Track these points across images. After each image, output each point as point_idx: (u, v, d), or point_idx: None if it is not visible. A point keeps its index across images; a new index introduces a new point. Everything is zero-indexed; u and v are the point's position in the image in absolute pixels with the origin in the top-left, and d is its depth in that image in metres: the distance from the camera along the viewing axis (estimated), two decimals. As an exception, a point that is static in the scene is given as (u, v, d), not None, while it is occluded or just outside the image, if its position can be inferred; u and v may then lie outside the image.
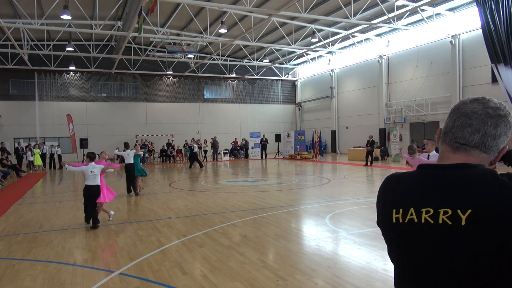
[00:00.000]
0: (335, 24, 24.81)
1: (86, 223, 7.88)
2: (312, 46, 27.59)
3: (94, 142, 26.92)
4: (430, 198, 1.13)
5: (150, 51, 28.94)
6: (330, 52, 30.27)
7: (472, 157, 1.16)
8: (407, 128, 25.07)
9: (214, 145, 27.75)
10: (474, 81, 20.56)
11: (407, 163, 6.87)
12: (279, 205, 9.57)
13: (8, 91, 28.31)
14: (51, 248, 6.24)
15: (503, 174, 1.11)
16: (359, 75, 29.36)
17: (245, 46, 29.57)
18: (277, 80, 36.51)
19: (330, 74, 32.08)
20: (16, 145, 24.43)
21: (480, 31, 16.43)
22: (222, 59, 31.96)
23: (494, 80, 18.24)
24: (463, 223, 1.05)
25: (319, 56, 32.46)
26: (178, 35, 25.73)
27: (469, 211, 1.05)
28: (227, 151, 29.13)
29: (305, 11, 19.37)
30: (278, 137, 29.26)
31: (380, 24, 21.49)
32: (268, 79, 36.06)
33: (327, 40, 26.54)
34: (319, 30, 25.45)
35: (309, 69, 35.34)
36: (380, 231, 1.29)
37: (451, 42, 21.58)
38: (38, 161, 22.44)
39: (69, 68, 28.69)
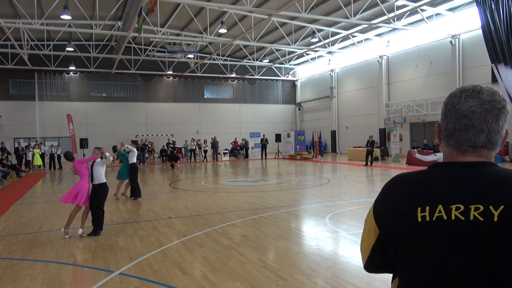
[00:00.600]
0: (335, 24, 24.82)
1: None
2: (312, 46, 27.60)
3: (94, 142, 26.78)
4: (458, 194, 1.11)
5: (150, 51, 28.95)
6: (330, 52, 30.27)
7: (483, 157, 1.18)
8: (407, 128, 25.07)
9: (214, 145, 27.76)
10: (474, 81, 20.40)
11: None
12: (279, 205, 9.56)
13: (8, 91, 28.32)
14: (51, 248, 6.24)
15: None
16: (359, 75, 29.36)
17: (245, 46, 29.57)
18: (277, 80, 36.51)
19: (330, 74, 32.08)
20: (16, 145, 24.43)
21: (480, 31, 16.43)
22: (222, 59, 31.97)
23: (494, 80, 18.23)
24: (495, 219, 1.04)
25: (319, 56, 32.46)
26: (178, 35, 25.73)
27: (502, 207, 1.05)
28: (227, 151, 29.13)
29: (305, 11, 19.38)
30: (278, 137, 29.25)
31: (380, 24, 21.49)
32: (268, 79, 36.07)
33: (327, 40, 26.55)
34: (319, 30, 25.45)
35: (309, 69, 35.34)
36: None
37: (451, 42, 21.59)
38: (38, 161, 22.43)
39: (69, 68, 28.70)
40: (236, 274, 4.83)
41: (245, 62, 32.68)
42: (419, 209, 1.13)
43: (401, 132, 24.51)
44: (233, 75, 33.81)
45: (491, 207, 1.06)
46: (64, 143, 27.36)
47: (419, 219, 1.13)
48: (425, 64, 23.51)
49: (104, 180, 7.24)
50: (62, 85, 29.60)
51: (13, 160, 21.55)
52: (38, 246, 6.40)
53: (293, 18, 23.76)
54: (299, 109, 37.29)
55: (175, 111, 32.85)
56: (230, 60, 32.15)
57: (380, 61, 26.83)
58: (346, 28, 25.34)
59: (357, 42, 27.13)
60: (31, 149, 22.51)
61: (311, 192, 12.15)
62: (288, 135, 28.93)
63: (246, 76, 34.87)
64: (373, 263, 1.31)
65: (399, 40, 25.23)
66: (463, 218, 1.08)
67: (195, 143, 27.85)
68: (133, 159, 10.97)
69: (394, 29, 22.93)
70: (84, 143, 24.12)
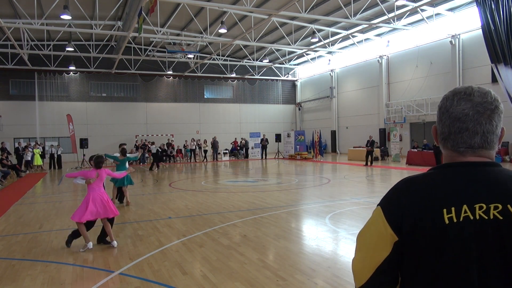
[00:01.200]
0: (335, 24, 24.81)
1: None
2: (312, 46, 27.60)
3: (94, 142, 26.94)
4: (479, 193, 1.12)
5: (150, 51, 28.95)
6: (330, 52, 30.27)
7: (483, 156, 1.19)
8: (407, 128, 25.07)
9: (214, 145, 27.77)
10: (474, 81, 20.53)
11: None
12: (279, 205, 9.56)
13: (8, 91, 28.31)
14: (51, 248, 6.23)
15: None
16: (359, 75, 29.36)
17: (245, 46, 29.57)
18: (277, 80, 36.51)
19: (330, 74, 32.08)
20: (16, 145, 24.44)
21: (480, 31, 16.42)
22: (222, 59, 31.97)
23: (494, 80, 18.23)
24: None
25: (319, 56, 32.46)
26: (178, 35, 25.73)
27: None
28: (227, 151, 29.13)
29: (305, 11, 19.38)
30: (278, 137, 29.25)
31: (380, 24, 21.50)
32: (268, 79, 36.07)
33: (327, 40, 26.55)
34: (319, 30, 25.45)
35: (309, 69, 35.34)
36: None
37: (451, 42, 21.59)
38: (38, 161, 22.44)
39: (69, 68, 28.70)
40: (236, 274, 4.83)
41: (245, 62, 32.68)
42: (444, 210, 1.11)
43: (401, 132, 24.51)
44: (233, 75, 33.81)
45: (509, 206, 1.08)
46: (64, 143, 27.37)
47: (447, 221, 1.10)
48: (425, 64, 23.51)
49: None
50: (62, 85, 29.60)
51: (13, 160, 21.55)
52: (38, 246, 6.40)
53: (293, 18, 23.76)
54: (299, 109, 37.29)
55: (175, 111, 32.85)
56: (230, 60, 32.16)
57: (380, 61, 26.83)
58: (346, 28, 25.34)
59: (357, 42, 27.13)
60: (30, 149, 22.50)
61: (311, 192, 12.15)
62: (288, 135, 28.93)
63: (246, 76, 34.88)
64: (379, 278, 1.20)
65: (399, 40, 25.23)
66: (486, 217, 1.09)
67: (195, 143, 27.85)
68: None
69: (394, 29, 22.93)
70: (84, 143, 24.12)
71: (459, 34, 21.33)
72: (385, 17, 20.93)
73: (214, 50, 28.93)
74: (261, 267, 5.06)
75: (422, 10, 20.54)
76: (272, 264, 5.17)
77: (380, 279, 1.21)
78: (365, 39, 26.88)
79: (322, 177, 15.97)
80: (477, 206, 1.10)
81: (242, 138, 30.68)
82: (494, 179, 1.13)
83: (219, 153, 28.57)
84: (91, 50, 27.22)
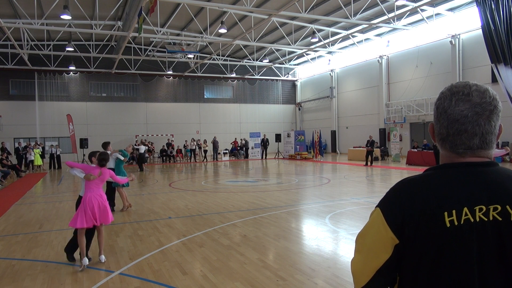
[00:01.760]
0: (335, 24, 24.82)
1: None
2: (312, 46, 27.60)
3: (94, 142, 26.89)
4: (478, 195, 1.11)
5: (150, 51, 28.95)
6: (330, 52, 30.27)
7: (482, 156, 1.18)
8: (407, 128, 25.07)
9: (214, 145, 27.78)
10: (474, 81, 20.46)
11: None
12: (279, 205, 9.56)
13: (8, 91, 28.32)
14: (51, 248, 6.24)
15: None
16: (359, 75, 29.36)
17: (245, 46, 29.58)
18: (277, 80, 36.51)
19: (330, 74, 32.08)
20: (17, 145, 24.44)
21: (480, 31, 16.42)
22: (222, 59, 31.97)
23: (494, 80, 18.23)
24: None
25: (319, 56, 32.46)
26: (178, 35, 25.73)
27: None
28: (227, 151, 29.13)
29: (305, 11, 19.38)
30: (278, 137, 29.26)
31: (380, 24, 21.50)
32: (268, 79, 36.07)
33: (327, 40, 26.55)
34: (319, 30, 25.45)
35: (309, 69, 35.34)
36: None
37: (451, 42, 21.59)
38: (38, 161, 22.44)
39: (69, 68, 28.71)
40: (236, 274, 4.83)
41: (245, 62, 32.68)
42: (445, 213, 1.10)
43: (401, 132, 24.52)
44: (233, 75, 33.81)
45: (507, 206, 1.08)
46: (64, 143, 27.37)
47: (448, 224, 1.09)
48: (425, 64, 23.51)
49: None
50: (62, 85, 29.60)
51: (13, 160, 21.55)
52: (38, 246, 6.40)
53: (293, 18, 23.76)
54: (299, 109, 37.29)
55: (175, 111, 32.85)
56: (230, 60, 32.16)
57: (380, 61, 26.83)
58: (346, 28, 25.35)
59: (357, 42, 27.13)
60: (31, 149, 22.52)
61: (311, 192, 12.15)
62: (288, 135, 28.94)
63: (246, 76, 34.88)
64: (379, 280, 1.19)
65: (399, 40, 25.23)
66: (486, 219, 1.09)
67: (195, 143, 27.87)
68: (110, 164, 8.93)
69: (394, 29, 22.93)
70: (84, 143, 24.13)
71: (459, 34, 21.33)
72: (385, 17, 20.93)
73: (214, 50, 28.93)
74: (261, 267, 5.06)
75: (422, 10, 20.54)
76: (272, 264, 5.17)
77: (380, 280, 1.20)
78: (365, 39, 26.88)
79: (322, 177, 15.97)
80: (477, 208, 1.10)
81: (242, 138, 30.69)
82: (493, 180, 1.13)
83: (219, 153, 28.58)
84: (91, 50, 27.22)
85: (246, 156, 29.64)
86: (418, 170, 17.06)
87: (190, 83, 33.44)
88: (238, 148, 30.30)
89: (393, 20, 21.28)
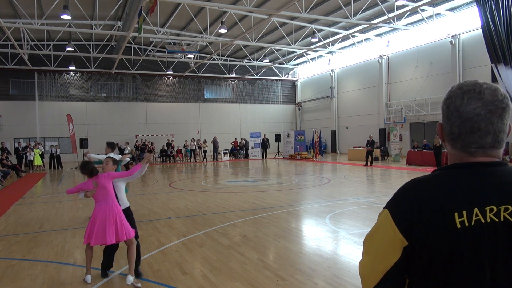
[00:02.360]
0: (335, 24, 24.82)
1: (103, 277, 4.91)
2: (312, 46, 27.60)
3: (94, 142, 26.91)
4: (489, 195, 1.09)
5: (150, 51, 28.95)
6: (330, 52, 30.27)
7: (493, 156, 1.16)
8: (407, 128, 25.07)
9: (214, 145, 27.79)
10: (474, 81, 20.53)
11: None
12: (279, 205, 9.56)
13: (8, 91, 28.32)
14: (51, 248, 6.23)
15: None
16: (359, 75, 29.36)
17: (245, 46, 29.57)
18: (277, 80, 36.51)
19: (330, 74, 32.08)
20: (16, 145, 24.43)
21: (480, 31, 16.43)
22: (222, 59, 31.97)
23: (494, 80, 18.22)
24: None
25: (319, 56, 32.46)
26: (178, 35, 25.73)
27: None
28: (227, 151, 29.14)
29: (305, 11, 19.38)
30: (278, 137, 29.26)
31: (380, 24, 21.49)
32: (268, 79, 36.07)
33: (327, 40, 26.55)
34: (319, 30, 25.45)
35: (309, 69, 35.34)
36: None
37: (451, 42, 21.59)
38: (38, 161, 22.44)
39: (69, 68, 28.71)
40: (236, 274, 4.83)
41: (245, 62, 32.68)
42: (456, 214, 1.08)
43: (401, 132, 24.52)
44: (233, 75, 33.81)
45: None
46: (64, 143, 27.37)
47: (458, 225, 1.07)
48: (425, 64, 23.51)
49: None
50: (62, 85, 29.60)
51: (13, 160, 21.55)
52: (38, 246, 6.40)
53: (293, 18, 23.76)
54: (299, 109, 37.29)
55: (175, 111, 32.85)
56: (230, 60, 32.15)
57: (380, 61, 26.83)
58: (346, 28, 25.35)
59: (357, 42, 27.13)
60: (31, 149, 22.52)
61: (311, 192, 12.15)
62: (288, 135, 28.94)
63: (246, 76, 34.88)
64: (388, 282, 1.17)
65: (399, 40, 25.23)
66: (497, 220, 1.07)
67: (195, 143, 27.88)
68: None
69: (394, 29, 22.93)
70: (84, 143, 24.13)
71: (459, 34, 21.33)
72: (385, 17, 20.92)
73: (214, 50, 28.93)
74: (261, 267, 5.06)
75: (422, 10, 20.54)
76: (272, 264, 5.17)
77: (389, 283, 1.17)
78: (365, 39, 26.88)
79: (322, 177, 15.97)
80: (487, 208, 1.08)
81: (242, 138, 30.69)
82: (503, 180, 1.11)
83: (219, 153, 28.59)
84: (91, 50, 27.22)
85: (246, 156, 29.65)
86: (418, 170, 17.06)
87: (190, 83, 33.44)
88: (238, 148, 30.31)
89: (393, 20, 21.27)
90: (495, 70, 15.88)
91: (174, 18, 23.36)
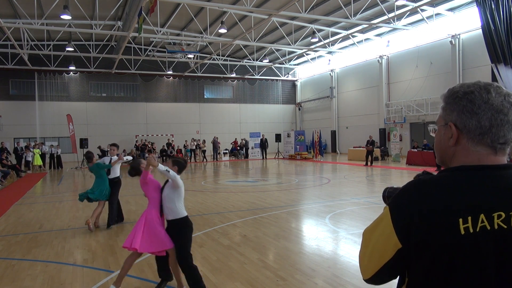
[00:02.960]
0: (335, 24, 24.82)
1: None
2: (312, 46, 27.60)
3: (94, 142, 26.91)
4: (498, 201, 1.04)
5: (150, 51, 28.95)
6: (330, 52, 30.27)
7: (506, 155, 1.13)
8: (407, 128, 25.07)
9: (214, 145, 27.79)
10: (474, 81, 20.51)
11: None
12: (279, 205, 9.56)
13: (8, 91, 28.32)
14: (51, 248, 6.23)
15: None
16: (359, 75, 29.37)
17: (245, 46, 29.57)
18: (277, 80, 36.51)
19: (330, 74, 32.08)
20: (15, 145, 24.43)
21: (480, 31, 16.44)
22: (222, 59, 31.97)
23: (494, 80, 18.23)
24: None
25: (319, 56, 32.46)
26: (178, 35, 25.73)
27: None
28: (227, 151, 29.14)
29: (305, 11, 19.38)
30: (278, 137, 29.26)
31: (380, 24, 21.49)
32: (268, 79, 36.07)
33: (327, 40, 26.55)
34: (319, 30, 25.45)
35: (309, 69, 35.34)
36: None
37: (451, 42, 21.59)
38: (38, 161, 22.43)
39: (69, 68, 28.71)
40: (236, 274, 4.83)
41: (245, 62, 32.68)
42: (460, 220, 1.03)
43: (401, 132, 24.52)
44: (233, 75, 33.81)
45: None
46: (64, 143, 27.37)
47: (463, 232, 1.03)
48: (425, 64, 23.51)
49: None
50: (62, 85, 29.61)
51: (12, 160, 21.54)
52: (38, 246, 6.40)
53: (293, 18, 23.76)
54: (299, 109, 37.29)
55: (175, 111, 32.85)
56: (230, 60, 32.15)
57: (380, 61, 26.83)
58: (346, 28, 25.35)
59: (357, 42, 27.13)
60: (31, 149, 22.51)
61: (311, 192, 12.15)
62: (288, 135, 28.94)
63: (246, 76, 34.88)
64: (383, 276, 1.19)
65: (399, 40, 25.23)
66: (505, 227, 1.03)
67: (195, 143, 27.89)
68: (117, 171, 7.88)
69: (394, 29, 22.92)
70: (84, 143, 24.14)
71: (459, 34, 21.33)
72: (385, 17, 20.92)
73: (214, 50, 28.93)
74: (261, 267, 5.06)
75: (422, 10, 20.54)
76: (272, 264, 5.17)
77: (384, 275, 1.19)
78: (365, 39, 26.88)
79: (322, 177, 15.97)
80: (495, 214, 1.03)
81: (242, 138, 30.70)
82: None
83: (219, 153, 28.60)
84: (91, 50, 27.21)
85: (246, 156, 29.65)
86: (418, 170, 16.98)
87: (190, 83, 33.44)
88: (238, 148, 30.32)
89: (393, 20, 21.27)
90: (495, 70, 15.89)
91: (174, 18, 23.36)
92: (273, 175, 17.95)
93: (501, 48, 15.18)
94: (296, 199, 10.69)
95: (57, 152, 23.99)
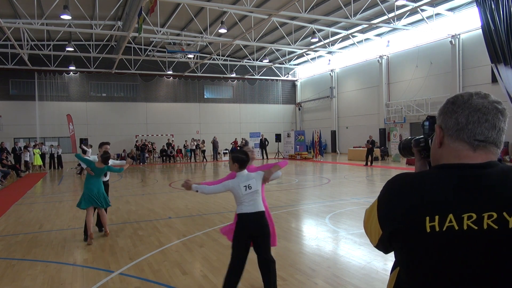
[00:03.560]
0: (335, 24, 24.82)
1: None
2: (312, 46, 27.59)
3: (94, 142, 26.82)
4: (469, 201, 1.04)
5: (150, 51, 28.95)
6: (330, 52, 30.27)
7: (491, 154, 1.13)
8: (407, 128, 25.07)
9: (214, 145, 27.78)
10: (474, 81, 20.55)
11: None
12: (279, 205, 9.56)
13: (8, 91, 28.32)
14: (51, 248, 6.23)
15: None
16: (359, 75, 29.36)
17: (245, 46, 29.57)
18: (277, 80, 36.51)
19: (330, 74, 32.08)
20: (14, 145, 24.43)
21: (480, 31, 16.42)
22: (222, 59, 31.97)
23: (494, 80, 18.23)
24: (511, 226, 1.01)
25: (319, 56, 32.46)
26: (178, 35, 25.73)
27: None
28: (227, 151, 29.13)
29: (305, 11, 19.38)
30: (278, 137, 29.26)
31: (380, 24, 21.49)
32: (268, 79, 36.07)
33: (327, 40, 26.55)
34: (319, 30, 25.45)
35: (309, 69, 35.34)
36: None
37: (451, 42, 21.59)
38: (38, 161, 22.42)
39: (69, 68, 28.70)
40: (236, 274, 4.82)
41: (245, 62, 32.68)
42: (427, 218, 1.05)
43: (401, 132, 24.52)
44: (233, 75, 33.81)
45: (504, 213, 1.01)
46: (64, 143, 27.37)
47: (428, 229, 1.05)
48: (425, 64, 23.51)
49: None
50: (62, 85, 29.61)
51: (12, 160, 21.54)
52: (38, 246, 6.40)
53: (293, 18, 23.75)
54: (299, 109, 37.29)
55: (175, 111, 32.85)
56: (230, 60, 32.15)
57: (380, 61, 26.83)
58: (346, 28, 25.34)
59: (357, 42, 27.13)
60: (29, 149, 22.50)
61: (311, 192, 12.15)
62: (288, 135, 28.94)
63: (246, 76, 34.88)
64: (385, 248, 1.26)
65: (399, 40, 25.23)
66: (476, 228, 1.03)
67: (195, 143, 27.89)
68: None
69: (394, 29, 22.92)
70: (84, 143, 24.12)
71: (459, 34, 21.33)
72: (385, 17, 20.92)
73: (214, 50, 28.92)
74: (261, 267, 5.06)
75: (422, 10, 20.54)
76: (272, 264, 5.16)
77: (384, 249, 1.26)
78: (365, 39, 26.87)
79: (322, 177, 15.97)
80: (465, 216, 1.03)
81: (242, 138, 30.68)
82: (492, 184, 1.06)
83: (219, 153, 28.59)
84: (91, 50, 27.21)
85: (246, 156, 29.59)
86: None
87: (190, 83, 33.44)
88: (238, 148, 30.30)
89: (393, 20, 21.27)
90: (495, 70, 15.87)
91: (174, 18, 23.36)
92: (273, 175, 17.91)
93: (501, 48, 15.16)
94: (296, 199, 10.69)
95: (57, 152, 23.99)
